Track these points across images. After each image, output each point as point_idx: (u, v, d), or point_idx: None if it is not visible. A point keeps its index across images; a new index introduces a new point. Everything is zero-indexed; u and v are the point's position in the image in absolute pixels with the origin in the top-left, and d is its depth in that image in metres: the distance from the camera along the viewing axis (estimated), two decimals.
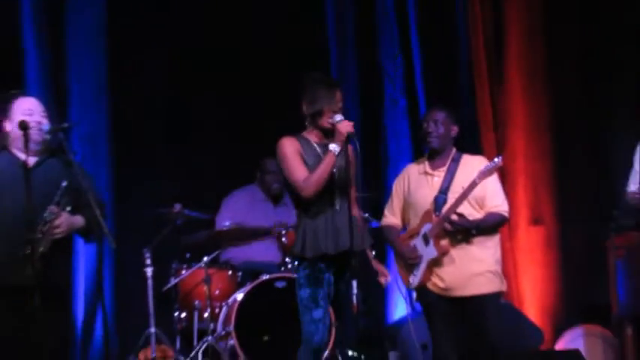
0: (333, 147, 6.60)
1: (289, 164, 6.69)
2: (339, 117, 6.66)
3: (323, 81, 6.78)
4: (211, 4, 9.99)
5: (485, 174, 7.11)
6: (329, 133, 6.70)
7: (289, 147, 6.71)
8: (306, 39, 10.09)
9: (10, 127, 6.74)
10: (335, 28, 10.25)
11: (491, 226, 7.26)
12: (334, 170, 6.66)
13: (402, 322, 9.02)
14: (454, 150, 7.37)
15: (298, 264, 6.81)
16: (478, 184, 7.11)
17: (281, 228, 9.06)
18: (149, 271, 8.89)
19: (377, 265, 7.00)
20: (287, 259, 9.00)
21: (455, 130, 7.38)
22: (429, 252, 7.21)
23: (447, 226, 7.10)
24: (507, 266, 9.10)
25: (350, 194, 6.73)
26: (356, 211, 6.84)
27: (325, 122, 6.69)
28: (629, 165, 7.70)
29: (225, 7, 9.96)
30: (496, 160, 7.22)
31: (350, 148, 6.74)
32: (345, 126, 6.60)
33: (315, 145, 6.75)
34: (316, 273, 6.71)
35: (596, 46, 9.81)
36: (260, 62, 9.78)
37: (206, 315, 8.95)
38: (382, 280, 6.95)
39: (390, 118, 10.08)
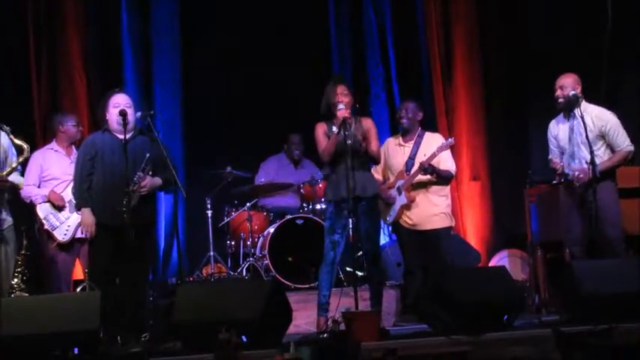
0: (334, 129, 6.66)
1: (317, 140, 6.82)
2: (341, 106, 6.68)
3: (328, 89, 6.82)
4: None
5: (442, 148, 7.17)
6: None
7: (318, 129, 6.83)
8: (318, 55, 9.98)
9: (108, 115, 6.71)
10: (337, 47, 10.15)
11: (444, 177, 7.26)
12: (348, 142, 6.57)
13: (382, 247, 8.94)
14: (419, 129, 7.39)
15: (327, 203, 6.94)
16: (437, 155, 7.15)
17: (299, 183, 9.00)
18: (209, 213, 8.81)
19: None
20: (304, 204, 8.91)
21: (420, 115, 7.36)
22: (401, 199, 7.23)
23: (424, 171, 7.12)
24: (455, 209, 9.07)
25: (358, 158, 6.68)
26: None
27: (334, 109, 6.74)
28: (540, 140, 7.60)
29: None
30: (450, 139, 7.32)
31: (370, 122, 6.89)
32: (342, 113, 6.63)
33: (334, 126, 6.75)
34: (336, 210, 6.73)
35: (515, 59, 9.72)
36: (288, 72, 9.68)
37: (248, 243, 8.88)
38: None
39: (375, 107, 9.99)
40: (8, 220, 6.80)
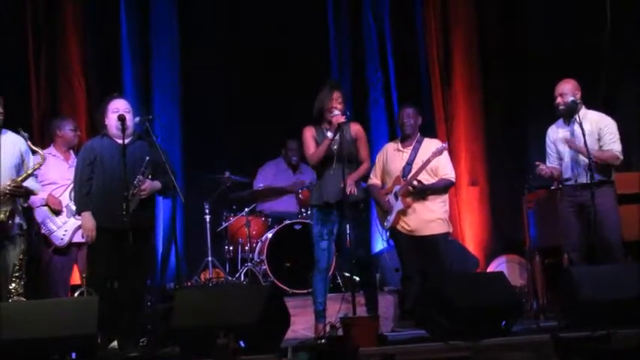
0: (329, 134, 6.74)
1: (305, 144, 6.89)
2: (336, 112, 6.74)
3: (323, 93, 6.85)
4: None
5: (435, 154, 7.16)
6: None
7: (306, 133, 6.89)
8: (317, 60, 9.95)
9: (107, 120, 6.72)
10: (336, 52, 10.13)
11: (440, 188, 7.30)
12: (334, 147, 6.68)
13: (380, 253, 8.96)
14: (419, 134, 7.39)
15: (312, 208, 6.94)
16: (432, 160, 7.14)
17: (297, 188, 9.01)
18: (207, 218, 8.81)
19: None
20: (302, 209, 8.91)
21: (419, 119, 7.38)
22: (397, 205, 7.23)
23: (410, 187, 7.13)
24: (453, 214, 9.06)
25: (346, 163, 6.67)
26: (354, 175, 6.80)
27: (327, 116, 6.79)
28: (539, 145, 7.62)
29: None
30: (444, 144, 7.33)
31: (358, 129, 6.92)
32: (337, 118, 6.71)
33: (324, 131, 6.82)
34: (322, 215, 6.79)
35: (514, 64, 9.73)
36: (286, 77, 9.70)
37: (247, 248, 8.89)
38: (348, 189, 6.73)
39: (373, 112, 9.99)
40: (21, 225, 6.80)
